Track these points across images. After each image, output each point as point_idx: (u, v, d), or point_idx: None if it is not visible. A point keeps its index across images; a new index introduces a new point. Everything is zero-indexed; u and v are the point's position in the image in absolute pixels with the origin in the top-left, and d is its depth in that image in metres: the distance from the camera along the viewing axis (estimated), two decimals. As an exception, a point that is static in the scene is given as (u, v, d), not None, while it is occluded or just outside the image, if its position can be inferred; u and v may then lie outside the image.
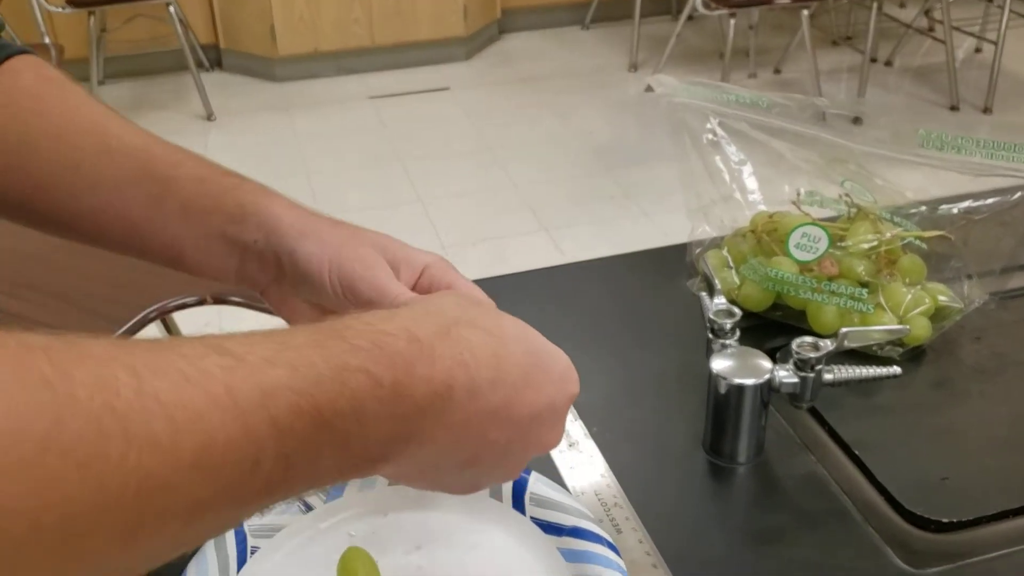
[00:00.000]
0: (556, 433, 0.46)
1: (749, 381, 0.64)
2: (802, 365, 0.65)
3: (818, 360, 0.64)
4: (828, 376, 0.65)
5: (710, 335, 0.69)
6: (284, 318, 0.58)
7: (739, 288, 0.82)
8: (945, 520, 0.61)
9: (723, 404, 0.65)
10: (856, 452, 0.67)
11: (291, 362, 0.32)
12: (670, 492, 0.65)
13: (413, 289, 0.52)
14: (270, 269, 0.54)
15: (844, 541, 0.61)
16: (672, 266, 0.89)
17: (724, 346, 0.68)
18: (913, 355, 0.76)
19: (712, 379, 0.65)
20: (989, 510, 0.62)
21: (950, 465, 0.67)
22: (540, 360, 0.44)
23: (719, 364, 0.65)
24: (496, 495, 0.62)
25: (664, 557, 0.60)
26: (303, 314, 0.57)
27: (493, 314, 0.45)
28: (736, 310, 0.68)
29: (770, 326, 0.81)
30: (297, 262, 0.52)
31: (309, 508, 0.62)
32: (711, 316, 0.68)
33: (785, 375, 0.65)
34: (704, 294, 0.72)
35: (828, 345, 0.64)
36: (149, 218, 0.54)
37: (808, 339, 0.65)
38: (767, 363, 0.65)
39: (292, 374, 0.32)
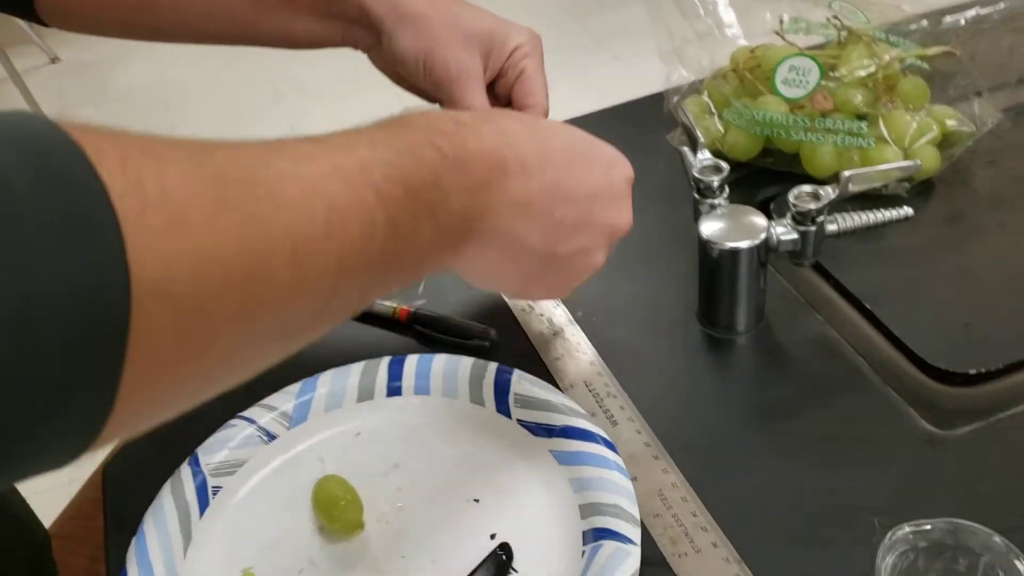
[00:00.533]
0: (622, 214, 0.49)
1: (743, 244, 0.57)
2: (801, 218, 0.57)
3: (819, 211, 0.57)
4: (831, 227, 0.58)
5: (696, 195, 0.61)
6: (389, 77, 0.62)
7: (723, 136, 0.74)
8: (972, 372, 0.56)
9: (716, 271, 0.59)
10: (867, 306, 0.61)
11: (370, 142, 0.36)
12: (666, 374, 0.60)
13: (501, 68, 0.58)
14: (372, 37, 0.59)
15: (862, 407, 0.55)
16: (649, 119, 0.80)
17: (713, 206, 0.60)
18: (922, 190, 0.69)
19: (702, 244, 0.58)
20: (1020, 355, 0.56)
21: (972, 309, 0.60)
22: (582, 145, 0.47)
23: (709, 227, 0.58)
24: (477, 399, 0.57)
25: (665, 446, 0.54)
26: (402, 83, 0.61)
27: (533, 117, 0.52)
28: (723, 164, 0.61)
29: (761, 175, 0.73)
30: (394, 48, 0.57)
31: (272, 437, 0.56)
32: (696, 174, 0.61)
33: (783, 231, 0.58)
34: (686, 149, 0.64)
35: (829, 193, 0.57)
36: (255, 12, 0.59)
37: (806, 188, 0.58)
38: (762, 220, 0.58)
39: (376, 150, 0.36)
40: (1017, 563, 0.38)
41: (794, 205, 0.57)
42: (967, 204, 0.69)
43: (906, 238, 0.65)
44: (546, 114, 0.59)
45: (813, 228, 0.57)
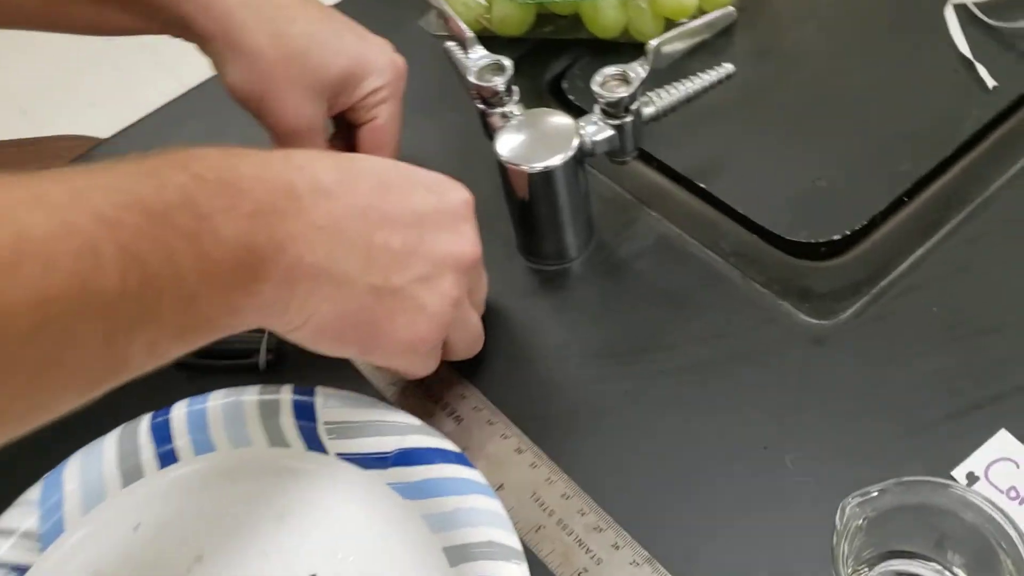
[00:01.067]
0: (463, 239, 0.40)
1: (554, 160, 0.45)
2: (613, 110, 0.46)
3: (631, 97, 0.46)
4: (649, 110, 0.48)
5: (481, 105, 0.49)
6: None
7: (488, 11, 0.61)
8: (837, 237, 0.48)
9: (528, 198, 0.47)
10: (703, 186, 0.52)
11: (92, 171, 0.32)
12: (498, 329, 0.48)
13: (351, 106, 0.51)
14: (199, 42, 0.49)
15: (729, 315, 0.47)
16: (396, 5, 0.66)
17: (505, 116, 0.48)
18: (723, 32, 0.59)
19: (504, 169, 0.46)
20: (882, 203, 0.49)
21: (818, 161, 0.52)
22: (399, 171, 0.40)
23: (507, 145, 0.46)
24: (279, 440, 0.44)
25: (527, 432, 0.44)
26: None
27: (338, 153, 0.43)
28: (505, 62, 0.48)
29: (543, 50, 0.61)
30: (223, 77, 0.48)
31: (22, 571, 0.42)
32: (474, 80, 0.48)
33: (595, 131, 0.47)
34: (453, 46, 0.51)
35: (639, 72, 0.46)
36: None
37: (610, 71, 0.46)
38: (568, 122, 0.47)
39: (97, 177, 0.31)
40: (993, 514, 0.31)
41: (601, 96, 0.46)
42: (783, 38, 0.60)
43: (727, 95, 0.55)
44: None
45: (629, 119, 0.47)
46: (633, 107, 0.46)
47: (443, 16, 0.54)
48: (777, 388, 0.44)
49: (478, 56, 0.49)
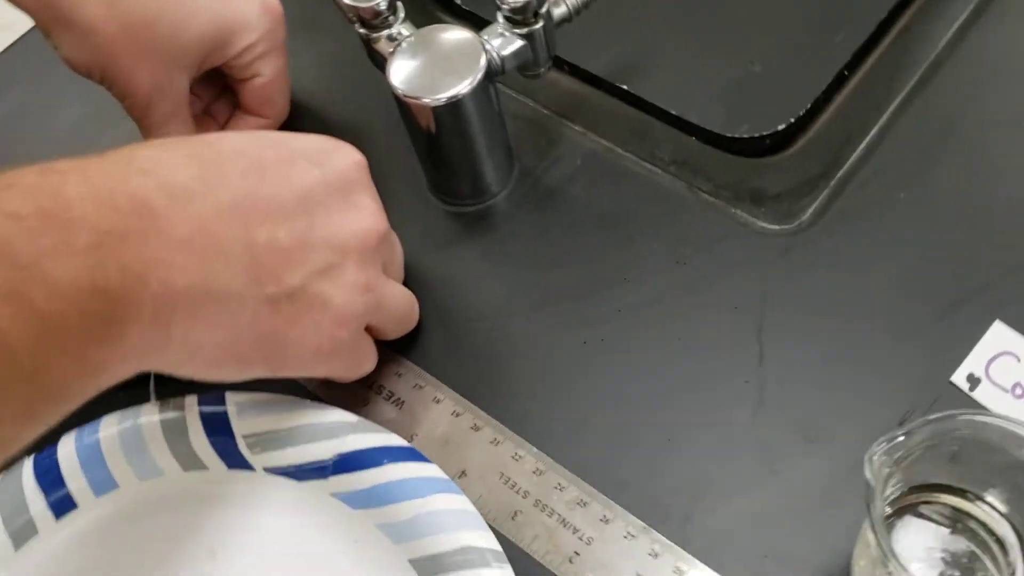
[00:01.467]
0: (362, 213, 0.34)
1: (461, 88, 0.38)
2: (520, 17, 0.40)
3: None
4: (560, 10, 0.41)
5: (362, 30, 0.41)
6: None
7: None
8: (782, 127, 0.43)
9: (436, 134, 0.40)
10: (628, 88, 0.46)
11: None
12: (429, 296, 0.42)
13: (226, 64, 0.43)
14: None
15: (678, 230, 0.42)
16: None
17: (393, 39, 0.41)
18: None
19: (402, 104, 0.39)
20: (822, 83, 0.44)
21: (748, 48, 0.47)
22: (274, 145, 0.33)
23: (401, 75, 0.39)
24: (192, 463, 0.37)
25: (480, 405, 0.39)
26: None
27: (194, 137, 0.36)
28: (382, -27, 0.40)
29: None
30: (58, 51, 0.41)
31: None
32: (350, 2, 0.40)
33: (502, 43, 0.40)
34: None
35: (545, -32, 0.39)
36: None
37: (513, -30, 0.39)
38: (469, 38, 0.40)
39: None
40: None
41: (504, 2, 0.39)
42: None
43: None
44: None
45: (539, 24, 0.40)
46: (543, 10, 0.39)
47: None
48: (748, 311, 0.39)
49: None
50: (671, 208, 0.42)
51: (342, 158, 0.34)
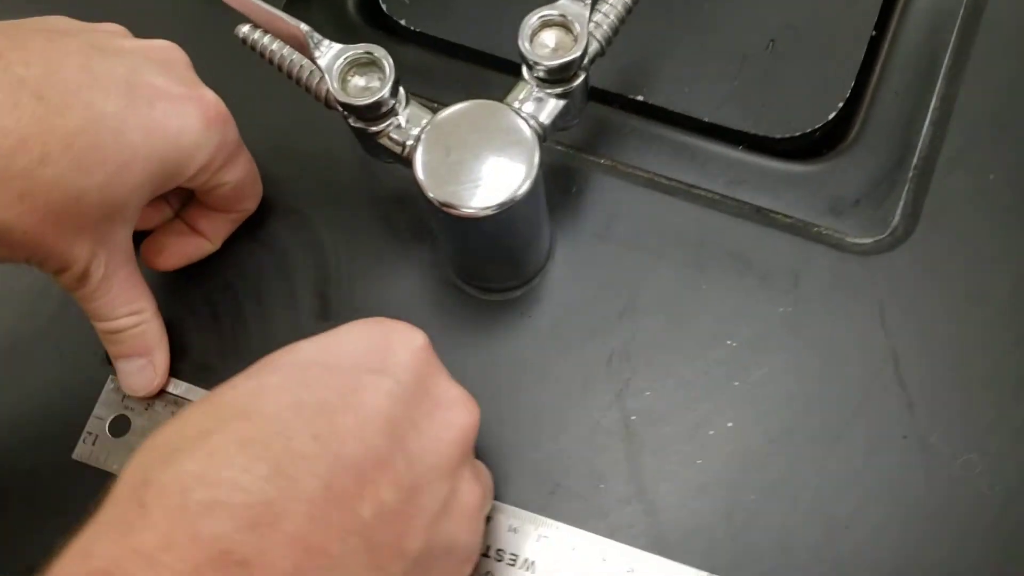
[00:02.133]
0: (453, 408, 0.28)
1: (516, 190, 0.31)
2: (559, 77, 0.32)
3: (584, 53, 0.32)
4: (595, 47, 0.34)
5: (357, 124, 0.33)
6: None
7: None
8: (831, 114, 0.38)
9: (478, 238, 0.33)
10: (651, 101, 0.40)
11: None
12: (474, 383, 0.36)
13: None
14: None
15: (760, 264, 0.37)
16: None
17: (400, 128, 0.32)
18: None
19: (436, 211, 0.32)
20: (858, 52, 0.39)
21: (764, 33, 0.41)
22: (319, 368, 0.26)
23: (438, 181, 0.31)
24: None
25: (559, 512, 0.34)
26: None
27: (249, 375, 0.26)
28: (376, 53, 0.32)
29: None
30: None
31: None
32: (346, 100, 0.32)
33: (536, 109, 0.33)
34: (262, 38, 0.34)
35: (579, 10, 0.32)
36: None
37: (541, 18, 0.32)
38: (504, 115, 0.32)
39: None
40: None
41: (539, 63, 0.32)
42: None
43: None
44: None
45: (581, 77, 0.33)
46: (587, 62, 0.32)
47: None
48: (874, 347, 0.35)
49: (332, 51, 0.32)
50: (744, 239, 0.37)
51: (404, 349, 0.28)
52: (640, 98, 0.40)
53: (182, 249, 0.38)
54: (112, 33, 0.34)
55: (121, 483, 0.23)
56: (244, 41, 0.35)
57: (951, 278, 0.36)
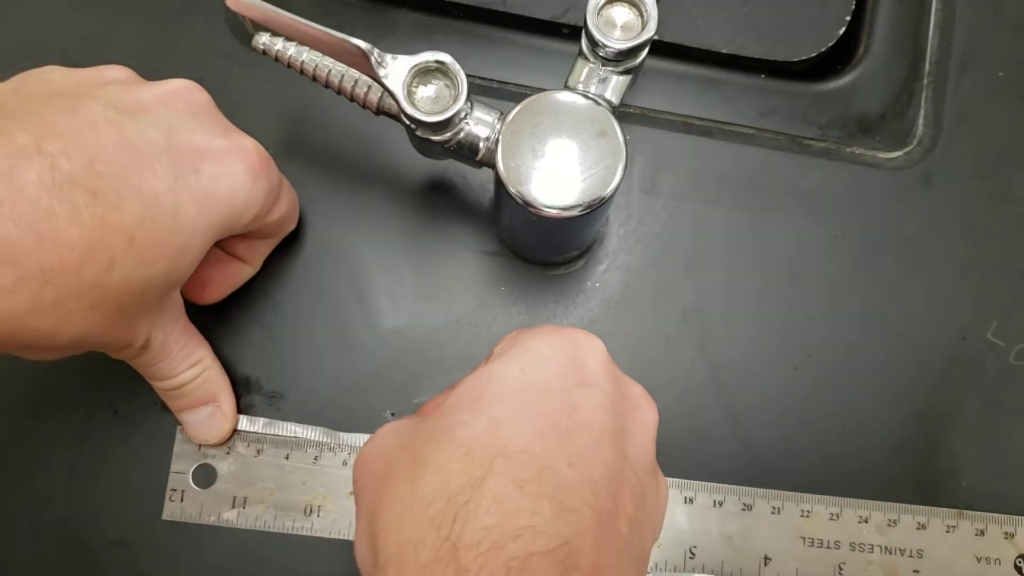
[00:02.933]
0: (638, 402, 0.28)
1: (607, 187, 0.30)
2: (626, 56, 0.31)
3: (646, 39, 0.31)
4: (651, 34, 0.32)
5: (416, 133, 0.31)
6: None
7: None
8: (841, 30, 0.39)
9: (556, 231, 0.33)
10: (662, 38, 0.39)
11: None
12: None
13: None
14: None
15: (807, 195, 0.38)
16: None
17: (474, 134, 0.31)
18: None
19: (523, 209, 0.31)
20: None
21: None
22: (531, 380, 0.26)
23: (528, 184, 0.30)
24: None
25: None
26: None
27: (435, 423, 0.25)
28: (444, 58, 0.30)
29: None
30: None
31: None
32: (419, 117, 0.30)
33: (605, 87, 0.32)
34: (310, 57, 0.31)
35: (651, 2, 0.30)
36: None
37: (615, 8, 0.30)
38: (581, 105, 0.31)
39: None
40: None
41: (608, 46, 0.30)
42: None
43: None
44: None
45: (644, 53, 0.32)
46: (650, 36, 0.31)
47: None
48: (925, 255, 0.37)
49: (395, 70, 0.29)
50: (787, 172, 0.38)
51: (592, 357, 0.27)
52: (655, 36, 0.39)
53: (224, 279, 0.36)
54: (125, 84, 0.30)
55: (405, 543, 0.22)
56: (264, 52, 0.32)
57: (984, 177, 0.38)
